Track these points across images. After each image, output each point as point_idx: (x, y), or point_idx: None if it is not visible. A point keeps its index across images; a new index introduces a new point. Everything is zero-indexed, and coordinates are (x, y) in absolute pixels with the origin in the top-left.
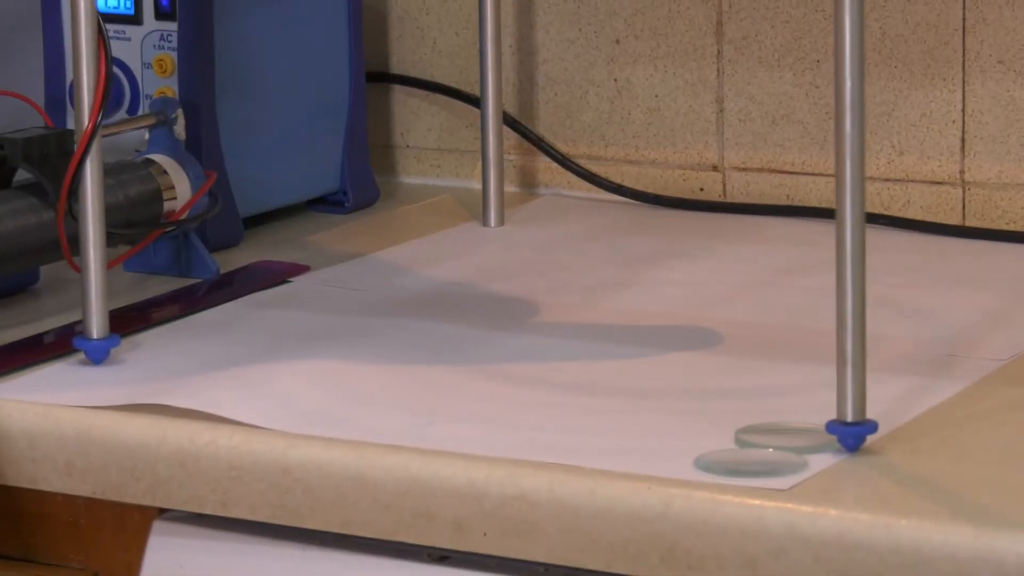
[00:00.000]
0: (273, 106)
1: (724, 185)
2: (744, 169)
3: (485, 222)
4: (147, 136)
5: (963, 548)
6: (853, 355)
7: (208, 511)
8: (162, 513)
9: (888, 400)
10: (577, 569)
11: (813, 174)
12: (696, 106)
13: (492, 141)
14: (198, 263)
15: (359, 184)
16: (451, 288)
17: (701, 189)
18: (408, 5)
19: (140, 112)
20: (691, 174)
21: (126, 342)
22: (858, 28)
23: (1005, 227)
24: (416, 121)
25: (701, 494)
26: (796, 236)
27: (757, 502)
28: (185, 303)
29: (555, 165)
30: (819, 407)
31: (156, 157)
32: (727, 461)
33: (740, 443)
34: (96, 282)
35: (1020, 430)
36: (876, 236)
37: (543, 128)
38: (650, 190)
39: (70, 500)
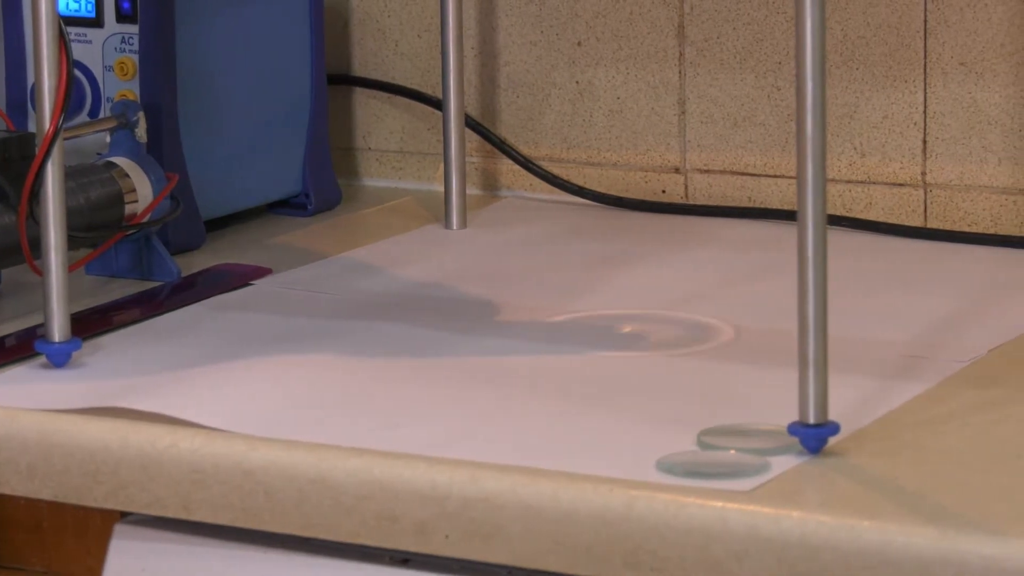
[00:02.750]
0: (235, 109)
1: (686, 187)
2: (706, 171)
3: (447, 224)
4: (108, 139)
5: (926, 549)
6: (815, 357)
7: (170, 514)
8: (124, 516)
9: (850, 402)
10: (540, 572)
11: (775, 176)
12: (658, 108)
13: (454, 143)
14: (160, 266)
15: (321, 187)
16: (413, 290)
17: (663, 191)
18: (370, 7)
19: (101, 115)
20: (653, 176)
21: (88, 345)
22: (819, 30)
23: (967, 229)
24: (378, 124)
25: (663, 496)
26: (758, 238)
27: (719, 504)
28: (147, 306)
29: (517, 167)
30: (781, 409)
31: (117, 160)
32: (689, 463)
33: (702, 445)
34: (57, 285)
35: (982, 431)
36: (838, 238)
37: (505, 130)
38: (612, 192)
39: (32, 504)
